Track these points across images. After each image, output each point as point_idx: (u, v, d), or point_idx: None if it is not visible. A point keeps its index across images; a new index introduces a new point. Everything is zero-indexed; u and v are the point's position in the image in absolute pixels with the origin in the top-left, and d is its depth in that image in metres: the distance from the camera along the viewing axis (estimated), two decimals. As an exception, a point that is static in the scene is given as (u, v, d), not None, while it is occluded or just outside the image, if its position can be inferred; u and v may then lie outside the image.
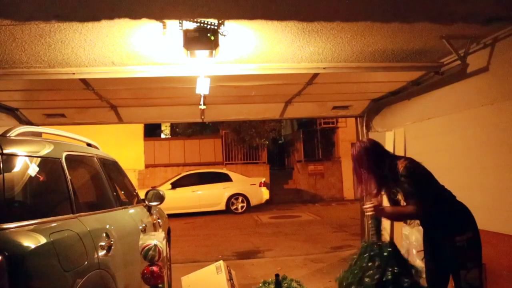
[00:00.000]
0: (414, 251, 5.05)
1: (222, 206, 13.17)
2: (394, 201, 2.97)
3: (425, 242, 3.09)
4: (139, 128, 15.48)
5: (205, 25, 3.19)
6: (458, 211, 2.86)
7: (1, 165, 1.97)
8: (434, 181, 2.92)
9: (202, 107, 5.34)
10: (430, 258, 3.01)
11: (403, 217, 2.90)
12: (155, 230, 3.87)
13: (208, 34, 3.19)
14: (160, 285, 2.85)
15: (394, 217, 2.91)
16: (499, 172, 3.91)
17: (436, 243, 2.92)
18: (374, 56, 4.30)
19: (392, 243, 2.97)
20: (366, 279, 2.76)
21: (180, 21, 3.21)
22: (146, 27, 3.30)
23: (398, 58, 4.39)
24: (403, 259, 2.94)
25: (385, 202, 3.11)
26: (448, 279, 2.91)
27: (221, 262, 4.30)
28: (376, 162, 2.91)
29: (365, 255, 2.91)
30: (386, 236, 3.10)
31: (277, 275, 3.49)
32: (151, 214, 3.97)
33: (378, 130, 6.55)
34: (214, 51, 3.29)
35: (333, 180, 16.83)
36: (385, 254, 2.85)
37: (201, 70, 4.18)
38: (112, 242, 2.60)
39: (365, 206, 2.93)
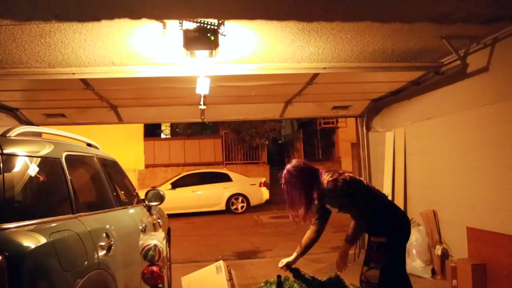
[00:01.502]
0: (414, 251, 5.06)
1: (222, 206, 13.15)
2: (323, 212, 3.17)
3: None
4: (139, 128, 15.45)
5: (205, 25, 3.19)
6: (382, 217, 2.98)
7: (1, 165, 1.97)
8: (363, 191, 3.01)
9: (202, 107, 5.34)
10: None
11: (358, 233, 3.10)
12: (155, 230, 3.87)
13: (208, 34, 3.19)
14: (160, 285, 2.85)
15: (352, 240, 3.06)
16: (499, 172, 3.91)
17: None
18: (374, 56, 4.30)
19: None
20: None
21: (180, 21, 3.21)
22: (146, 27, 3.30)
23: (398, 58, 4.39)
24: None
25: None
26: None
27: (221, 262, 4.29)
28: (307, 181, 3.01)
29: None
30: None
31: (279, 276, 3.48)
32: (151, 214, 3.97)
33: (378, 130, 6.55)
34: (214, 51, 3.29)
35: (333, 180, 16.78)
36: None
37: (201, 70, 4.18)
38: (112, 242, 2.59)
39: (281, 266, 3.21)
